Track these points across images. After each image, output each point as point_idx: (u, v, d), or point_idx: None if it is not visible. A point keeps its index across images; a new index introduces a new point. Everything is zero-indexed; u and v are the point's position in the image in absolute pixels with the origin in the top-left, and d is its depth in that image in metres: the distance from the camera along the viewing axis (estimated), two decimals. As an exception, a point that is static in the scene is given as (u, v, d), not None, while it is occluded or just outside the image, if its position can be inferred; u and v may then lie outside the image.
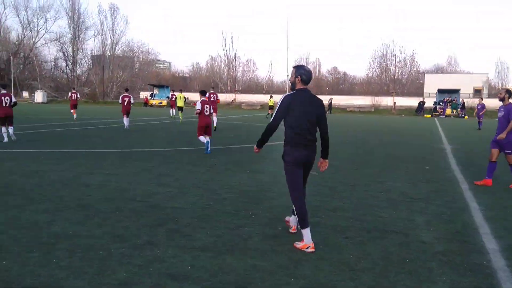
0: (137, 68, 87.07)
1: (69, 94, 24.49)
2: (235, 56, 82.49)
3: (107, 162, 9.84)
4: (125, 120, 19.04)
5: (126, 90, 20.99)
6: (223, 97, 65.61)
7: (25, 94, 69.60)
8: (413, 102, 54.64)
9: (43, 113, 31.90)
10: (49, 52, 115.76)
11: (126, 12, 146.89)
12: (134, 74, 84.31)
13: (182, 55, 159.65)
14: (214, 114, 17.32)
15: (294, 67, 4.57)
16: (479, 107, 25.73)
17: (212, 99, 18.09)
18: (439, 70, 78.21)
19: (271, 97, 37.73)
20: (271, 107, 34.81)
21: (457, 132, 24.25)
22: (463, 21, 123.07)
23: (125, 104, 19.38)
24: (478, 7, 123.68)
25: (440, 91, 48.97)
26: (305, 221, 4.42)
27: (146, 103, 59.38)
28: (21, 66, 78.60)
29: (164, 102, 54.69)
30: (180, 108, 26.71)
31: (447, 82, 54.25)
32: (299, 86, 4.51)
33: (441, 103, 47.14)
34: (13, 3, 77.61)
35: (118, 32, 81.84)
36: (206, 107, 11.89)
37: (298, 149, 4.44)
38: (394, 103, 54.83)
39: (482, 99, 28.29)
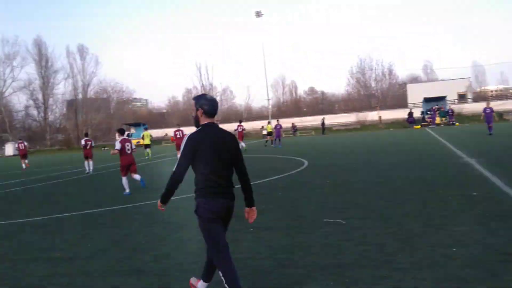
0: (113, 109, 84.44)
1: (16, 145, 22.95)
2: (211, 86, 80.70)
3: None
4: (87, 165, 19.33)
5: (86, 135, 21.80)
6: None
7: (-5, 147, 66.11)
8: (398, 114, 53.30)
9: (8, 168, 29.06)
10: (19, 100, 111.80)
11: (96, 52, 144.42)
12: (110, 115, 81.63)
13: (157, 90, 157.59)
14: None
15: (193, 99, 3.78)
16: (487, 111, 23.99)
17: (178, 136, 21.77)
18: (413, 80, 77.57)
19: (269, 122, 35.33)
20: (270, 133, 32.54)
21: (465, 140, 22.31)
22: (435, 28, 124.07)
23: (87, 148, 19.44)
24: (448, 13, 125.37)
25: (427, 100, 47.71)
26: None
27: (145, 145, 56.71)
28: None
29: (142, 141, 51.99)
30: (147, 146, 28.22)
31: (431, 90, 53.13)
32: (204, 120, 3.73)
33: (428, 112, 45.73)
34: (-22, 53, 74.36)
35: (89, 73, 79.54)
36: (127, 146, 11.71)
37: (214, 199, 3.64)
38: (380, 117, 53.45)
39: (489, 103, 26.63)
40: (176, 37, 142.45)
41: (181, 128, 22.97)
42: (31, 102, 78.96)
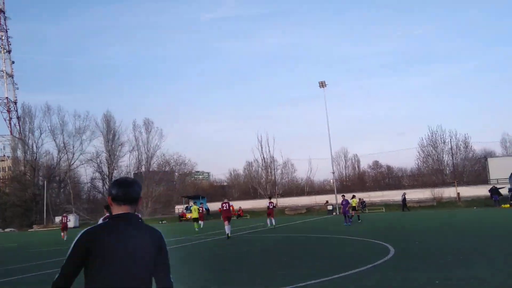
0: (175, 181, 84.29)
1: (60, 217, 23.61)
2: (272, 159, 78.87)
3: None
4: None
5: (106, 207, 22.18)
6: (263, 203, 60.86)
7: (58, 219, 66.87)
8: (479, 191, 47.76)
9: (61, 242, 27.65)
10: (85, 172, 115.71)
11: (160, 126, 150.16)
12: (170, 187, 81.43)
13: (219, 164, 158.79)
14: (226, 223, 20.40)
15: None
16: None
17: (225, 208, 21.35)
18: (489, 154, 71.21)
19: (353, 196, 31.60)
20: (354, 208, 29.91)
21: None
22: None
23: None
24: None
25: (516, 175, 42.31)
26: None
27: (182, 216, 55.27)
28: (56, 189, 77.36)
29: (190, 215, 49.93)
30: (196, 219, 31.29)
31: (516, 165, 47.49)
32: (116, 210, 2.68)
33: (517, 189, 40.26)
34: (50, 127, 78.31)
35: (153, 146, 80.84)
36: None
37: None
38: (458, 193, 48.17)
39: None
40: (238, 108, 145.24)
41: (228, 201, 22.72)
42: (97, 174, 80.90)
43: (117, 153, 79.41)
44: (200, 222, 32.17)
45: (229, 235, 20.00)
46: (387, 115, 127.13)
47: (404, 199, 43.81)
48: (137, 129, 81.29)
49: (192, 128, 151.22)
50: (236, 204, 57.60)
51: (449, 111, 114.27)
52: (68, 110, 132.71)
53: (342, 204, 27.97)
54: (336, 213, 45.26)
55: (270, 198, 30.76)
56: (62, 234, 30.13)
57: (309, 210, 52.17)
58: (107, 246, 2.52)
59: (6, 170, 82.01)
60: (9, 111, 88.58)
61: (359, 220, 29.26)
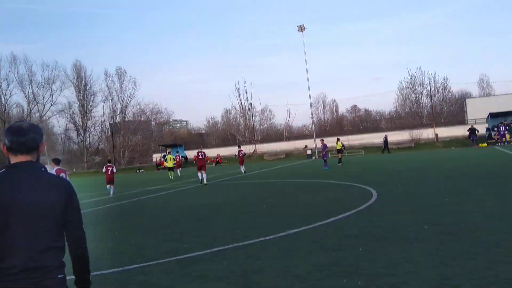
0: (151, 131, 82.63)
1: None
2: (251, 105, 77.64)
3: None
4: (110, 189, 19.48)
5: (109, 161, 22.56)
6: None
7: (33, 170, 65.30)
8: (457, 131, 48.11)
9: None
10: (58, 124, 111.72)
11: (134, 74, 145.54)
12: (148, 136, 79.98)
13: (197, 112, 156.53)
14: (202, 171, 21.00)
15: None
16: None
17: (200, 157, 21.80)
18: (466, 95, 71.40)
19: (338, 140, 31.30)
20: (340, 151, 29.92)
21: None
22: (490, 39, 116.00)
23: (109, 173, 19.59)
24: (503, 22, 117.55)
25: (493, 115, 42.44)
26: None
27: (160, 165, 54.46)
28: (29, 141, 75.06)
29: (165, 164, 49.22)
30: (170, 169, 30.36)
31: (493, 105, 47.61)
32: (14, 159, 2.41)
33: (496, 129, 40.47)
34: (18, 78, 74.62)
35: (127, 95, 78.43)
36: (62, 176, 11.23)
37: None
38: (436, 134, 48.39)
39: None
40: (214, 55, 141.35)
41: (203, 150, 23.26)
42: (70, 125, 78.57)
43: (90, 103, 76.90)
44: (178, 170, 32.90)
45: (206, 182, 20.75)
46: (365, 60, 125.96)
47: (385, 141, 43.63)
48: (110, 78, 78.47)
49: (168, 77, 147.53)
50: (215, 152, 56.98)
51: (428, 54, 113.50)
52: (35, 60, 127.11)
53: (322, 148, 27.53)
54: (316, 157, 45.10)
55: (239, 146, 32.30)
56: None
57: (288, 155, 51.92)
58: (6, 193, 2.28)
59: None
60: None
61: (339, 163, 28.88)
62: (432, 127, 50.42)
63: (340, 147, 29.95)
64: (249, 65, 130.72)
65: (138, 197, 17.57)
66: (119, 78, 77.94)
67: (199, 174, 21.27)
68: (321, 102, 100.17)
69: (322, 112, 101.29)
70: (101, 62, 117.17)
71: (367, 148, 47.94)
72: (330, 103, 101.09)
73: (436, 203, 9.83)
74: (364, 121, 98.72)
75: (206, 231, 8.79)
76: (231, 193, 16.08)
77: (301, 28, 51.26)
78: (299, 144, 56.60)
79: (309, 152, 46.65)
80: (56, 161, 12.30)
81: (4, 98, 73.39)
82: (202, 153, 22.14)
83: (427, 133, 49.71)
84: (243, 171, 27.79)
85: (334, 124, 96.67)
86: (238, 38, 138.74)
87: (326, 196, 12.77)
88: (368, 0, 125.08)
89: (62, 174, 11.18)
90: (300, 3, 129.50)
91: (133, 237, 8.79)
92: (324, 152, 26.81)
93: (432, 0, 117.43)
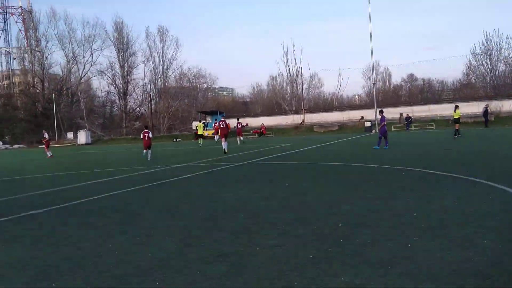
0: (194, 96, 77.90)
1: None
2: (301, 69, 70.97)
3: None
4: (148, 153, 19.70)
5: (146, 127, 22.29)
6: (288, 120, 54.77)
7: (70, 135, 62.66)
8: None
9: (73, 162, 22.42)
10: (100, 85, 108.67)
11: (176, 35, 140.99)
12: (189, 102, 75.46)
13: (242, 79, 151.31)
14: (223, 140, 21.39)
15: None
16: None
17: (222, 126, 22.49)
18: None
19: (456, 107, 24.36)
20: (458, 120, 23.94)
21: None
22: None
23: (146, 139, 20.02)
24: None
25: None
26: None
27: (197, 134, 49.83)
28: (68, 104, 72.56)
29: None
30: (200, 136, 33.91)
31: None
32: None
33: None
34: (57, 35, 71.65)
35: (168, 57, 73.89)
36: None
37: None
38: (523, 107, 40.60)
39: None
40: (263, 18, 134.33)
41: (224, 120, 23.82)
42: (111, 88, 75.29)
43: (130, 63, 73.02)
44: (239, 137, 31.73)
45: (226, 150, 20.68)
46: (419, 28, 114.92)
47: (486, 111, 35.19)
48: (151, 38, 74.10)
49: (212, 41, 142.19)
50: (259, 121, 51.66)
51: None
52: (75, 16, 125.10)
53: (380, 121, 20.40)
54: (376, 131, 38.71)
55: (238, 119, 33.31)
56: (47, 152, 28.19)
57: (342, 127, 45.73)
58: None
59: (16, 84, 77.24)
60: (24, 21, 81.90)
61: (456, 135, 23.49)
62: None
63: (458, 116, 23.97)
64: (297, 31, 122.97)
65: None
66: (160, 38, 73.54)
67: (223, 145, 21.18)
68: (373, 71, 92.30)
69: (374, 81, 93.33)
70: (141, 20, 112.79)
71: (436, 121, 40.86)
72: (382, 72, 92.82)
73: None
74: (424, 91, 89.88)
75: None
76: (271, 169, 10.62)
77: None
78: (353, 114, 50.18)
79: (367, 124, 40.13)
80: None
81: (43, 57, 70.80)
82: (223, 122, 22.78)
83: (509, 105, 41.89)
84: (239, 143, 29.17)
85: (390, 94, 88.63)
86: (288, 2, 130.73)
87: (443, 204, 6.95)
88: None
89: None
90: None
91: None
92: (382, 126, 19.92)
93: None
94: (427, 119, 42.33)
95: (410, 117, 39.96)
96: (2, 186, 12.66)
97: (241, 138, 30.39)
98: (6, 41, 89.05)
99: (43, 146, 30.17)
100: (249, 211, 6.80)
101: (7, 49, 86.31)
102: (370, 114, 44.82)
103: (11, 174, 16.89)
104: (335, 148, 21.52)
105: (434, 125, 39.37)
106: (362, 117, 46.48)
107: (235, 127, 31.73)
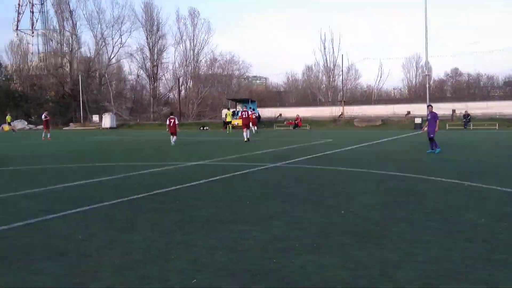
0: (225, 84, 74.34)
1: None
2: (341, 57, 66.37)
3: None
4: (172, 139, 20.81)
5: (171, 113, 23.37)
6: (325, 111, 50.65)
7: (96, 118, 60.50)
8: None
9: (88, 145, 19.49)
10: (129, 68, 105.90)
11: (207, 18, 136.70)
12: (221, 90, 71.98)
13: (276, 67, 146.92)
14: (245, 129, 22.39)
15: None
16: None
17: (244, 116, 23.56)
18: None
19: None
20: None
21: None
22: None
23: (171, 125, 20.93)
24: None
25: None
26: None
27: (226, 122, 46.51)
28: (96, 86, 70.44)
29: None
30: (227, 123, 36.63)
31: None
32: None
33: None
34: (86, 15, 69.49)
35: (199, 40, 70.53)
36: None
37: None
38: None
39: None
40: (298, 4, 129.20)
41: (246, 110, 24.60)
42: (141, 71, 72.65)
43: (160, 47, 70.07)
44: (253, 127, 31.02)
45: (249, 139, 21.65)
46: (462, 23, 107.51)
47: None
48: (181, 20, 70.92)
49: (245, 27, 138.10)
50: (293, 112, 47.86)
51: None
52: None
53: (429, 117, 16.00)
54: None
55: (252, 109, 34.14)
56: (46, 134, 28.71)
57: (385, 122, 41.39)
58: None
59: (43, 66, 75.58)
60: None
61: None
62: None
63: None
64: (334, 20, 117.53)
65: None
66: (192, 21, 70.19)
67: (244, 134, 21.82)
68: (413, 64, 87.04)
69: (414, 75, 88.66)
70: (171, 0, 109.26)
71: (498, 121, 35.90)
72: (422, 66, 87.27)
73: None
74: (471, 87, 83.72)
75: None
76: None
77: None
78: (398, 109, 45.66)
79: (418, 120, 35.50)
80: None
81: (71, 37, 68.87)
82: (246, 113, 23.72)
83: None
84: (254, 131, 29.46)
85: (434, 89, 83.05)
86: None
87: None
88: None
89: None
90: None
91: None
92: (433, 124, 15.70)
93: None
94: (484, 118, 37.47)
95: (468, 114, 35.25)
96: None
97: (255, 128, 30.34)
98: (43, 23, 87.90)
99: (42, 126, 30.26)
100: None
101: (44, 31, 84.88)
102: (417, 109, 40.58)
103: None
104: (390, 149, 17.66)
105: (497, 124, 34.47)
106: (409, 112, 42.06)
107: (255, 116, 31.69)
